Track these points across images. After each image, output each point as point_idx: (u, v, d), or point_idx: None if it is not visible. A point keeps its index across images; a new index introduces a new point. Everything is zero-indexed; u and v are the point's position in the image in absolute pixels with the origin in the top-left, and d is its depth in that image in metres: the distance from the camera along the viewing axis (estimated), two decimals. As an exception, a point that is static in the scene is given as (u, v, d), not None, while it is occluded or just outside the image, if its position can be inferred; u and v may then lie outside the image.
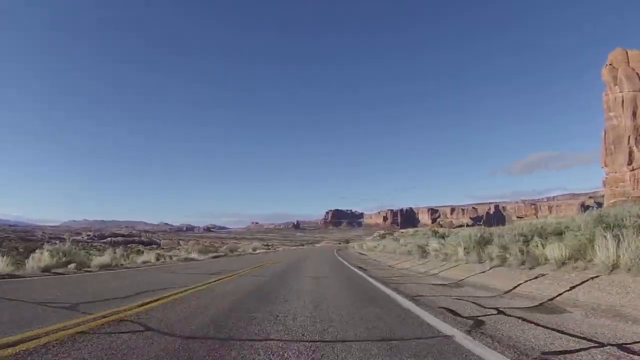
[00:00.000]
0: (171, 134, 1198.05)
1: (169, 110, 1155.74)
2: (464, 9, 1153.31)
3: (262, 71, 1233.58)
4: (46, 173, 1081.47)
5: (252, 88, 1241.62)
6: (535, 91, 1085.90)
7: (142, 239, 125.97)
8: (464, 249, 11.23)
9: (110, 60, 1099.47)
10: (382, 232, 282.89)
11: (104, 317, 4.64)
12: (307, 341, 3.73)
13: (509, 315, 4.92)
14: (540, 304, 5.63)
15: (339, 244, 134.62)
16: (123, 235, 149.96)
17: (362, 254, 34.92)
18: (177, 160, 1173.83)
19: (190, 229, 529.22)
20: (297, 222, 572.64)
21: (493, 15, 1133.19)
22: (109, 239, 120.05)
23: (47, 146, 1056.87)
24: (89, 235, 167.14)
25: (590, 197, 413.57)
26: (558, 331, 4.04)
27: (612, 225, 6.89)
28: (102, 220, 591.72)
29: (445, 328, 4.24)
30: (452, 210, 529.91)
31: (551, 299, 5.74)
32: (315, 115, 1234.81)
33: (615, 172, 78.55)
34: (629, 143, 77.00)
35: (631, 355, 3.24)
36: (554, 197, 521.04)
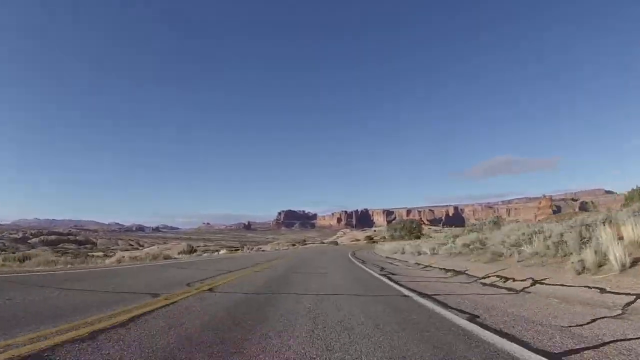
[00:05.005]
0: (131, 135, 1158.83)
1: (128, 110, 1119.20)
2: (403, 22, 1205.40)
3: (218, 72, 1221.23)
4: (5, 172, 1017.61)
5: (209, 89, 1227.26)
6: (494, 95, 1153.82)
7: (78, 238, 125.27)
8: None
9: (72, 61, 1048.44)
10: (342, 230, 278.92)
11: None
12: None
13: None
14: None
15: (293, 245, 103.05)
16: (60, 234, 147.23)
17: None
18: (134, 161, 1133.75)
19: (140, 229, 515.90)
20: (249, 222, 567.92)
21: (457, 22, 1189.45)
22: (42, 237, 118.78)
23: (6, 145, 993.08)
24: (24, 233, 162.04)
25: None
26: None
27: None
28: (53, 219, 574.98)
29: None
30: (408, 212, 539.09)
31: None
32: (272, 118, 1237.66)
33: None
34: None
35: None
36: (509, 201, 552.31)
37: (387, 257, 21.82)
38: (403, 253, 21.38)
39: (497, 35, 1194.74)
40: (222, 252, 40.31)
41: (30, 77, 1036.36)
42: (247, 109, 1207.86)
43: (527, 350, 3.22)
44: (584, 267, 6.47)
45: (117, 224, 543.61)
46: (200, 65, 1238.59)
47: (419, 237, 52.60)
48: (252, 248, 58.43)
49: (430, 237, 48.08)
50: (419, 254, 16.95)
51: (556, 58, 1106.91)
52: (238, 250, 57.13)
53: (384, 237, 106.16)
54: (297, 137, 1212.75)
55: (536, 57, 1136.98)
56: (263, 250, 54.25)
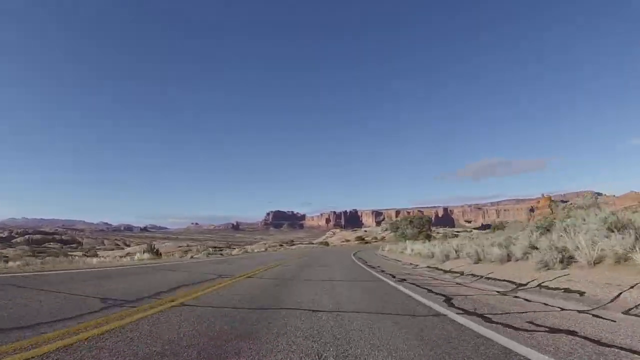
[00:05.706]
0: (130, 135, 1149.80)
1: (128, 110, 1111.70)
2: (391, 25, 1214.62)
3: (218, 72, 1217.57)
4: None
5: (209, 89, 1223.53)
6: (494, 95, 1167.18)
7: (63, 237, 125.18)
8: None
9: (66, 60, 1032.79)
10: (331, 230, 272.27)
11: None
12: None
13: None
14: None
15: (280, 246, 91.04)
16: (45, 233, 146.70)
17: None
18: (128, 161, 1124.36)
19: (129, 228, 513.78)
20: (237, 222, 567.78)
21: (457, 22, 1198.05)
22: (27, 236, 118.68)
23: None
24: (10, 232, 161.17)
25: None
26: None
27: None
28: (41, 219, 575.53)
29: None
30: (397, 213, 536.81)
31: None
32: (272, 118, 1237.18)
33: None
34: None
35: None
36: (497, 202, 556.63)
37: (457, 275, 10.19)
38: (492, 261, 10.09)
39: (497, 35, 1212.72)
40: (144, 255, 20.85)
41: (30, 77, 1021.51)
42: (247, 109, 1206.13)
43: None
44: None
45: (105, 223, 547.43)
46: (200, 65, 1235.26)
47: (429, 237, 45.32)
48: (200, 248, 41.98)
49: (435, 237, 47.31)
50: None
51: (556, 58, 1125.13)
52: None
53: (376, 238, 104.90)
54: (296, 137, 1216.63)
55: (536, 57, 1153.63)
56: (221, 255, 33.65)
